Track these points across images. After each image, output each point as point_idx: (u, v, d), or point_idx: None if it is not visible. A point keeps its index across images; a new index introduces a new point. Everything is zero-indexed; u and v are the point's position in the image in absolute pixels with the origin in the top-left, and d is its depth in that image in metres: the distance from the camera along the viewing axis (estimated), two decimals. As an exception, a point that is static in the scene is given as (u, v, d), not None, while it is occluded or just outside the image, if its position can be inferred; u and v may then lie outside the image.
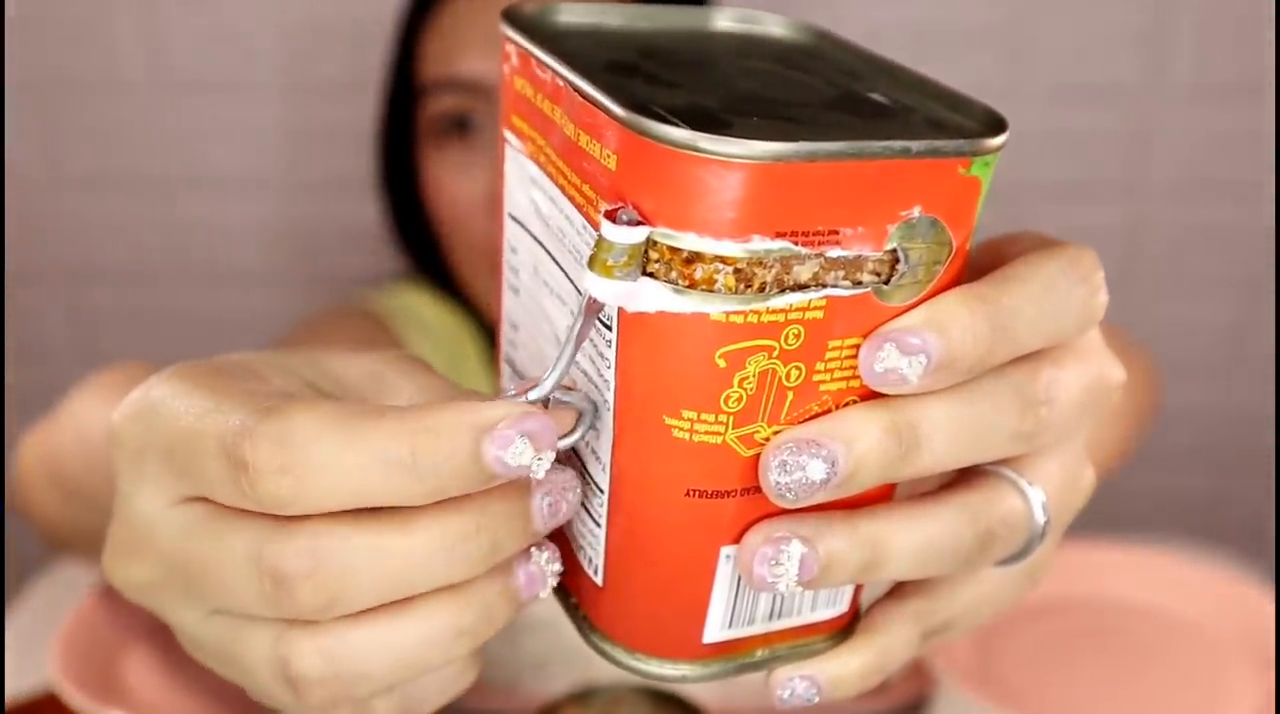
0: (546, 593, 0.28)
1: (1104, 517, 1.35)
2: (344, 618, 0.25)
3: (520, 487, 0.26)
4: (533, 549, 0.27)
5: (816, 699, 0.29)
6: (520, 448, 0.24)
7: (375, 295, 0.90)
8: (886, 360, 0.24)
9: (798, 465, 0.25)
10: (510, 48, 0.29)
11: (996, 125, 0.26)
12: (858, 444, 0.25)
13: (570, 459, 0.28)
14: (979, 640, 0.61)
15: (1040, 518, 0.28)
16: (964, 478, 0.28)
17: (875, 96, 0.28)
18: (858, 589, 0.30)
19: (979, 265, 0.27)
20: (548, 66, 0.26)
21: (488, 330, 0.87)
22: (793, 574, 0.26)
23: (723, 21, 0.32)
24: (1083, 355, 0.28)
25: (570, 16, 0.30)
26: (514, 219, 0.30)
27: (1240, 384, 1.27)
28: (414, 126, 0.82)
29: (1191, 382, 1.27)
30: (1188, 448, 1.29)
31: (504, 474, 0.24)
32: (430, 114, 0.78)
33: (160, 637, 0.60)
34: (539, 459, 0.25)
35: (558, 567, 0.28)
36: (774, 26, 0.32)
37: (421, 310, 0.88)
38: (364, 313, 0.86)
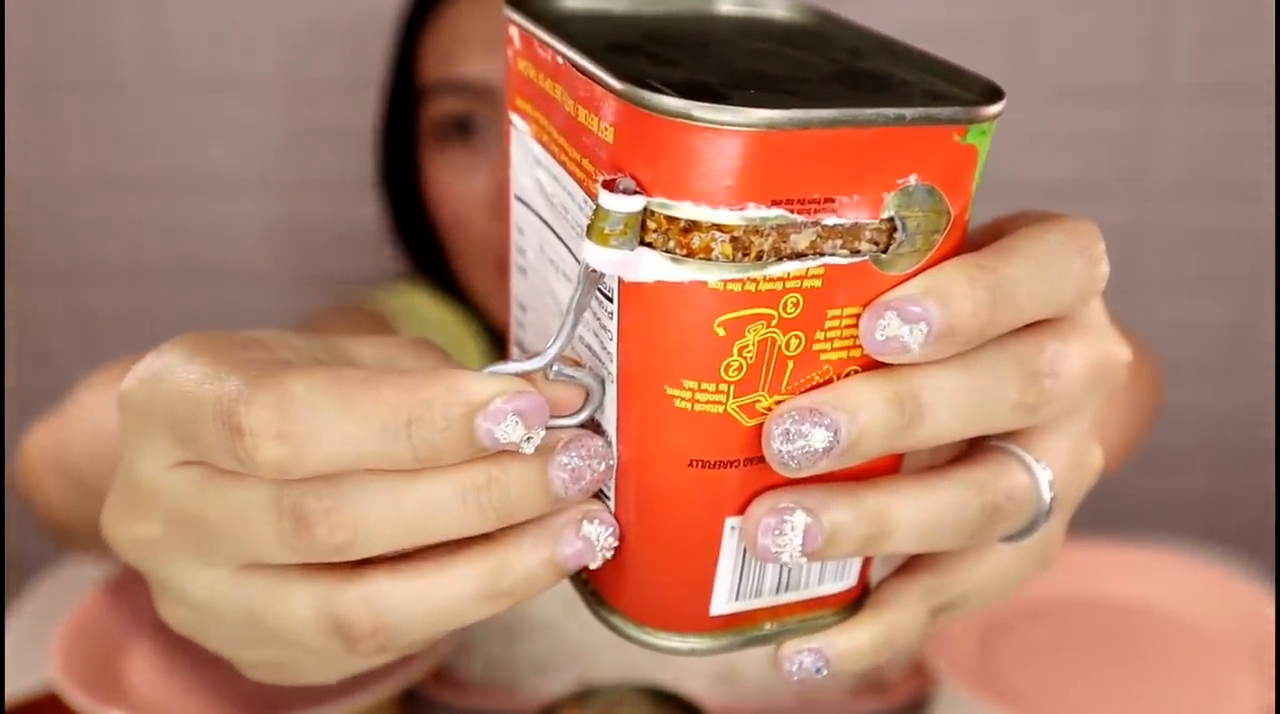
0: (597, 563, 0.28)
1: (1104, 517, 1.35)
2: (381, 568, 0.26)
3: (540, 450, 0.26)
4: (585, 521, 0.27)
5: (824, 672, 0.29)
6: (511, 424, 0.25)
7: (376, 295, 0.90)
8: (888, 328, 0.25)
9: (800, 434, 0.25)
10: (513, 30, 0.29)
11: (992, 94, 0.26)
12: (861, 414, 0.25)
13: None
14: (979, 640, 0.62)
15: (1047, 494, 0.28)
16: (970, 453, 0.28)
17: (874, 71, 0.28)
18: (866, 563, 0.30)
19: (981, 243, 0.27)
20: (548, 45, 0.26)
21: (489, 330, 0.87)
22: (796, 545, 0.26)
23: (725, 5, 0.32)
24: (1087, 330, 0.28)
25: (575, 2, 0.31)
26: (520, 201, 0.30)
27: (1240, 384, 1.27)
28: (415, 127, 0.82)
29: (1191, 382, 1.27)
30: (1188, 448, 1.29)
31: (494, 448, 0.25)
32: (432, 115, 0.78)
33: (161, 636, 0.60)
34: (529, 437, 0.25)
35: (612, 542, 0.27)
36: (776, 8, 0.32)
37: (423, 310, 0.88)
38: (365, 312, 0.86)
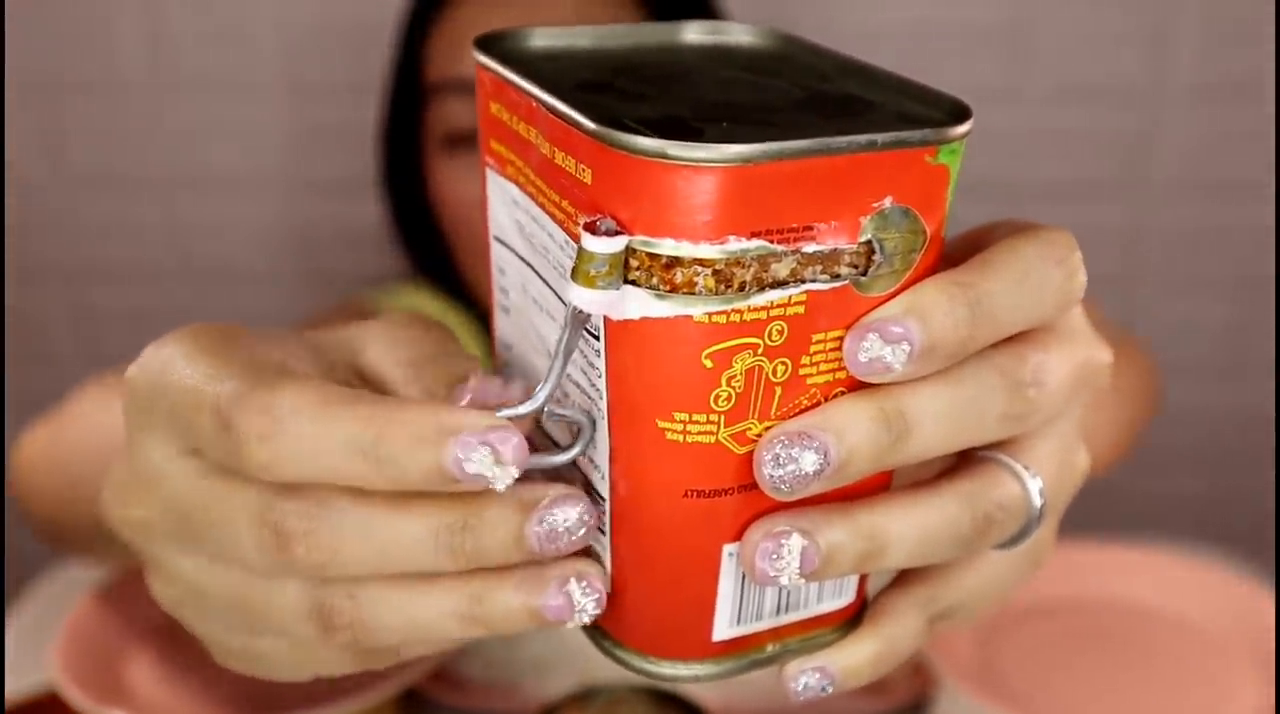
0: (575, 625, 0.28)
1: (1104, 517, 1.35)
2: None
3: (522, 502, 0.26)
4: (572, 580, 0.27)
5: (830, 690, 0.29)
6: (482, 456, 0.25)
7: (376, 295, 0.90)
8: (871, 350, 0.25)
9: (791, 458, 0.25)
10: (484, 74, 0.29)
11: (960, 114, 0.26)
12: (849, 434, 0.25)
13: (573, 471, 0.29)
14: (979, 640, 0.62)
15: (1037, 501, 0.29)
16: (961, 465, 0.29)
17: (842, 94, 0.28)
18: (863, 579, 0.30)
19: (959, 254, 0.28)
20: (520, 89, 0.27)
21: (491, 330, 0.87)
22: (794, 567, 0.26)
23: (691, 34, 0.33)
24: (1068, 338, 0.28)
25: (542, 41, 0.31)
26: (499, 241, 0.31)
27: (1240, 384, 1.27)
28: (419, 127, 0.82)
29: (1191, 382, 1.27)
30: (1188, 448, 1.29)
31: (464, 479, 0.25)
32: (439, 118, 0.78)
33: (161, 637, 0.60)
34: (499, 468, 0.25)
35: (594, 610, 0.27)
36: (742, 35, 0.33)
37: (424, 310, 0.88)
38: (365, 312, 0.86)
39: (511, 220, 0.29)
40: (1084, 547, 0.67)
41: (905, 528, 0.27)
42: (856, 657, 0.29)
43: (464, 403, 0.27)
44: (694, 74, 0.29)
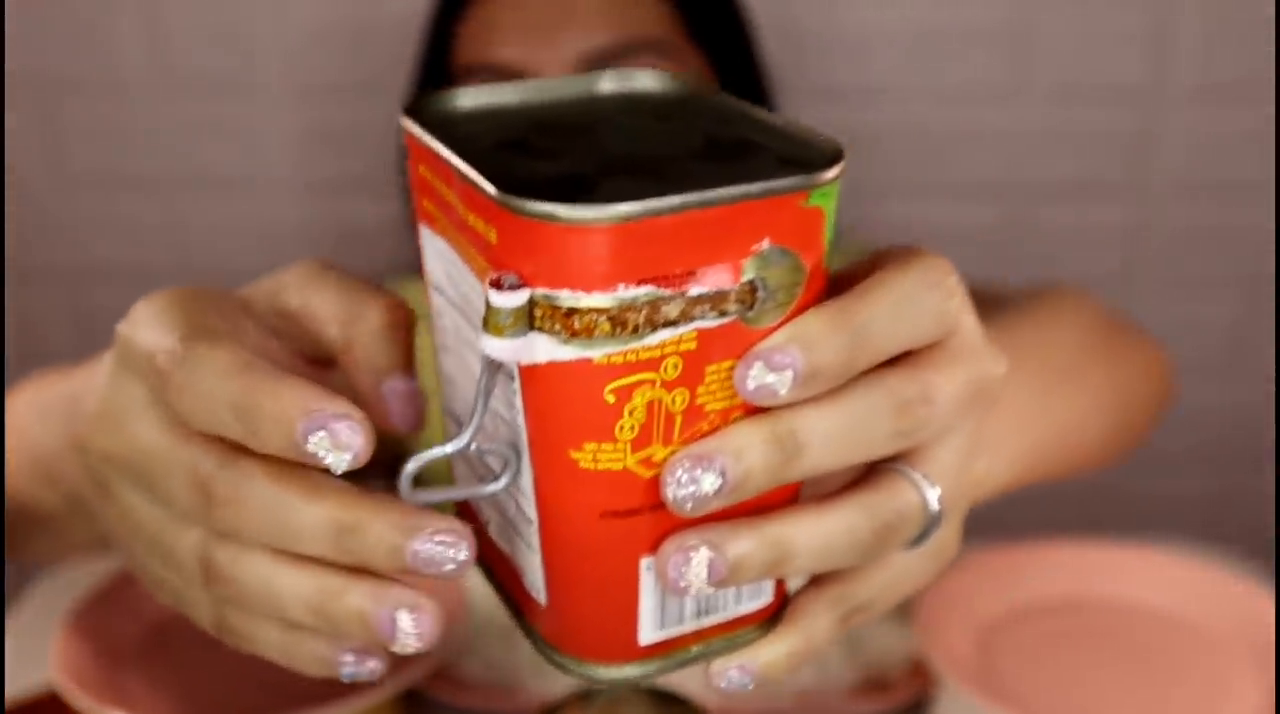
0: (398, 649, 0.31)
1: (1104, 517, 1.36)
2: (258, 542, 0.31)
3: (407, 526, 0.29)
4: (404, 610, 0.30)
5: (751, 686, 0.32)
6: (319, 437, 0.29)
7: (384, 286, 0.90)
8: (758, 377, 0.28)
9: (692, 480, 0.28)
10: (411, 140, 0.32)
11: (833, 158, 0.28)
12: (745, 455, 0.28)
13: (509, 497, 0.32)
14: (979, 640, 0.62)
15: (935, 507, 0.31)
16: (866, 475, 0.32)
17: (735, 139, 0.31)
18: (780, 581, 0.32)
19: (847, 282, 0.31)
20: (438, 154, 0.29)
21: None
22: (703, 577, 0.29)
23: (605, 84, 0.36)
24: (959, 354, 0.31)
25: (469, 101, 0.34)
26: (436, 289, 0.33)
27: (1240, 384, 1.27)
28: None
29: (1191, 382, 1.27)
30: (1188, 448, 1.29)
31: (305, 456, 0.29)
32: None
33: (161, 637, 0.60)
34: (335, 454, 0.29)
35: (414, 643, 0.31)
36: (649, 81, 0.36)
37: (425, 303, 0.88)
38: None
39: (443, 271, 0.32)
40: (1084, 547, 0.67)
41: (809, 538, 0.29)
42: (775, 653, 0.32)
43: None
44: (603, 125, 0.32)
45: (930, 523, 0.31)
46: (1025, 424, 0.44)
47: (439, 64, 0.83)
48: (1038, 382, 0.48)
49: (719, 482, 0.28)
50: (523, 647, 0.62)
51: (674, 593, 0.29)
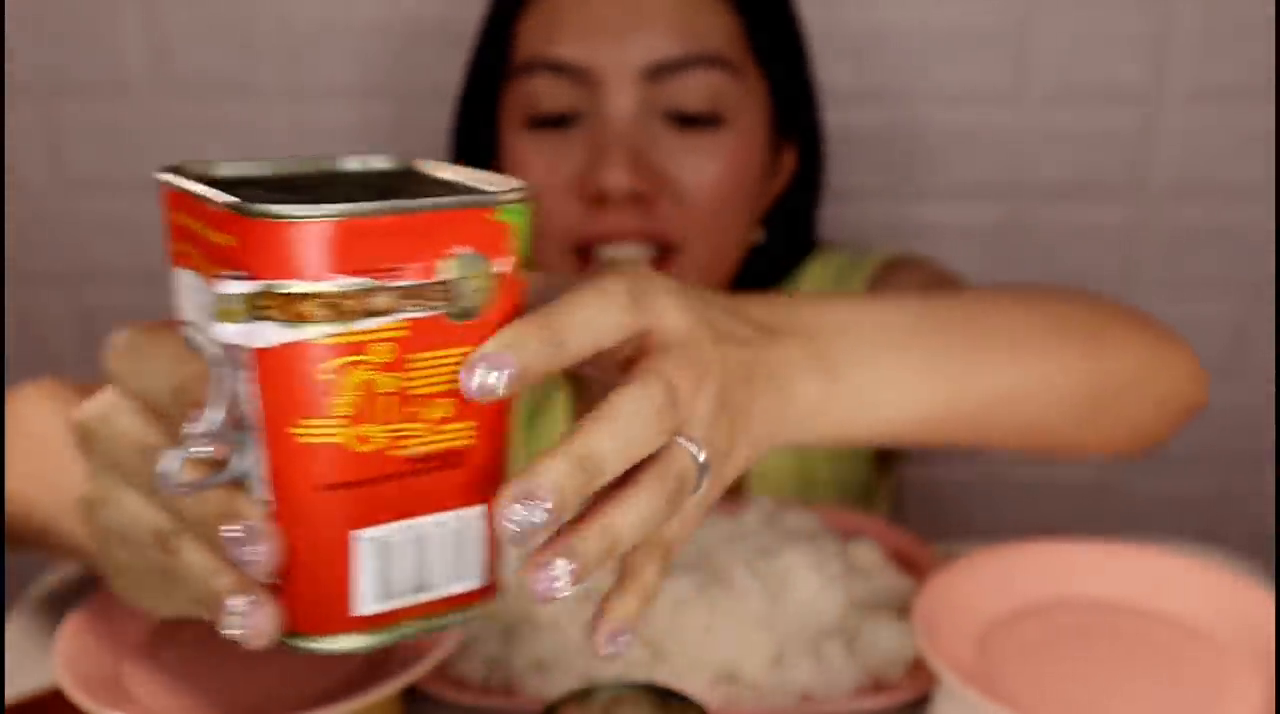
0: (230, 624, 0.35)
1: (1104, 517, 1.35)
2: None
3: (230, 505, 0.35)
4: (235, 595, 0.35)
5: (629, 641, 0.38)
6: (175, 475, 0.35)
7: None
8: (480, 377, 0.34)
9: (526, 519, 0.33)
10: (170, 193, 0.37)
11: (514, 189, 0.35)
12: (561, 486, 0.33)
13: (244, 485, 0.35)
14: (979, 640, 0.62)
15: (703, 459, 0.38)
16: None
17: (440, 181, 0.38)
18: (494, 566, 0.37)
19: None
20: (194, 194, 0.34)
21: None
22: (567, 583, 0.34)
23: (350, 164, 0.41)
24: (668, 349, 0.38)
25: (224, 171, 0.38)
26: (190, 323, 0.37)
27: (1240, 384, 1.27)
28: (497, 105, 0.82)
29: (1192, 382, 1.27)
30: (1188, 448, 1.29)
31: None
32: (523, 95, 0.79)
33: (164, 637, 0.60)
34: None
35: (236, 626, 0.35)
36: (381, 163, 0.41)
37: None
38: None
39: (193, 304, 0.36)
40: (1084, 546, 0.67)
41: (627, 518, 0.36)
42: (626, 607, 0.38)
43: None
44: (331, 184, 0.38)
45: (702, 472, 0.38)
46: (905, 378, 0.50)
47: (497, 59, 0.83)
48: (938, 343, 0.51)
49: (546, 514, 0.33)
50: (523, 646, 0.62)
51: (544, 603, 0.35)
